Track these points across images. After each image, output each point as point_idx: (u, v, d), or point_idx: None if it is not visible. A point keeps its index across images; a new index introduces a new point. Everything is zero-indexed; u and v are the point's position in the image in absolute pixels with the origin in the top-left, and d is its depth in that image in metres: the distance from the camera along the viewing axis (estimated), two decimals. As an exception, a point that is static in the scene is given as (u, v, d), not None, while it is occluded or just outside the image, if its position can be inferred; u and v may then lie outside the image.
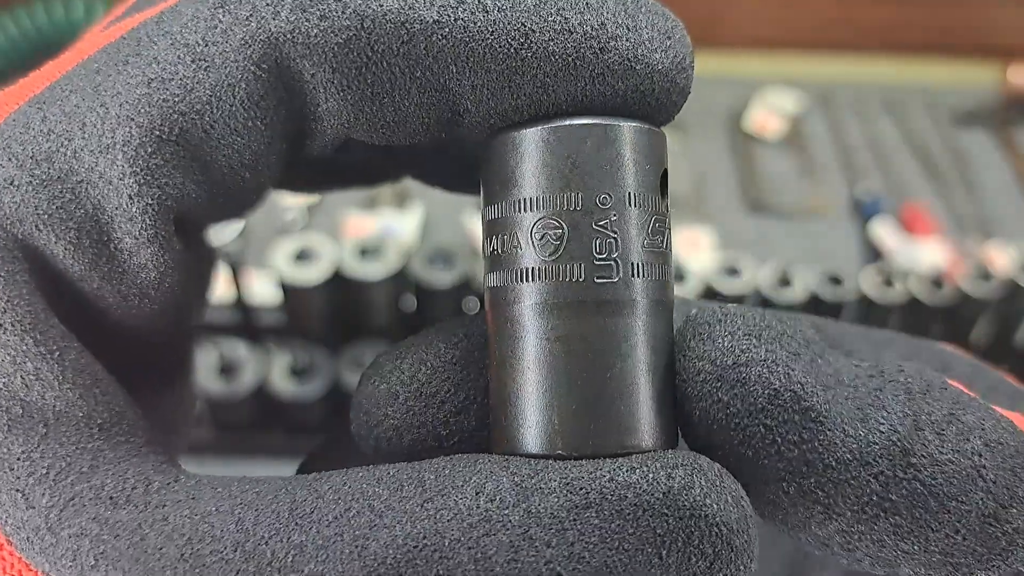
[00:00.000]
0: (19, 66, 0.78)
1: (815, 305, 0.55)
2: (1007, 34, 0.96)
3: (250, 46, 0.16)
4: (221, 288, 0.61)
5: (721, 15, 0.95)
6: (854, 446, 0.15)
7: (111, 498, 0.16)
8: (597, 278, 0.16)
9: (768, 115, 0.88)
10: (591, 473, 0.15)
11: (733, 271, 0.55)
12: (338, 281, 0.50)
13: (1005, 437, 0.16)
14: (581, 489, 0.15)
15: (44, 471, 0.16)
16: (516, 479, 0.15)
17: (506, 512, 0.14)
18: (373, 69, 0.16)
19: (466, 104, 0.16)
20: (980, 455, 0.15)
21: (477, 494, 0.15)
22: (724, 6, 0.95)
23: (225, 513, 0.15)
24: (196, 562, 0.15)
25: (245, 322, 0.55)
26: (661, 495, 0.15)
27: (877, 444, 0.15)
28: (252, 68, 0.16)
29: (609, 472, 0.15)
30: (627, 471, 0.15)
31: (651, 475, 0.15)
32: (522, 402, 0.16)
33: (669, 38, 0.16)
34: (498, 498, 0.14)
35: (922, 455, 0.15)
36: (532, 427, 0.16)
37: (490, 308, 0.17)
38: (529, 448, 0.16)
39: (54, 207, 0.16)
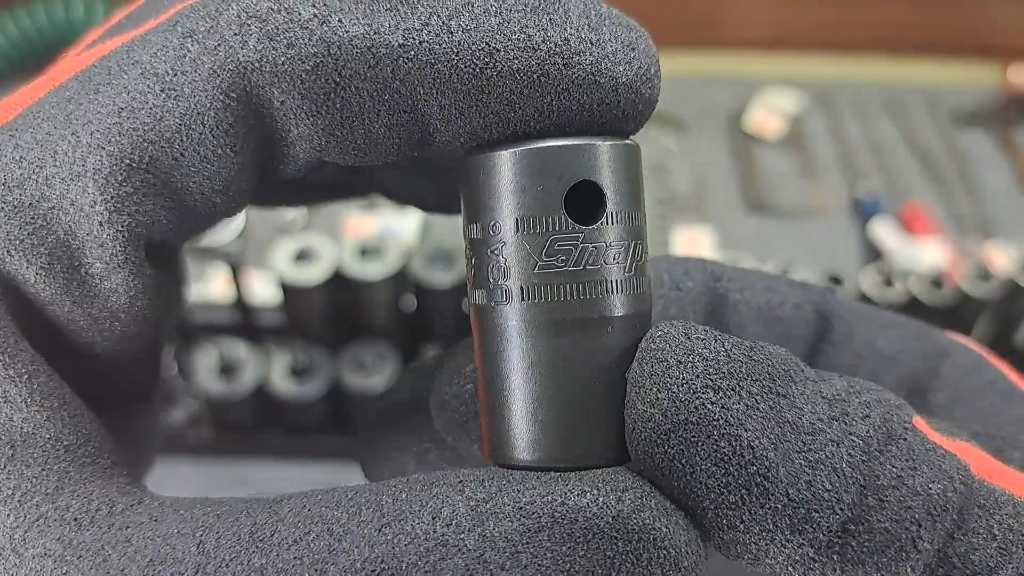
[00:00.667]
0: (19, 66, 0.78)
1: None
2: (1007, 34, 0.96)
3: (219, 75, 0.16)
4: (221, 288, 0.61)
5: (721, 15, 0.95)
6: (794, 511, 0.15)
7: (75, 519, 0.16)
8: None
9: (768, 115, 0.88)
10: (543, 497, 0.15)
11: (733, 271, 0.55)
12: (338, 281, 0.50)
13: (950, 500, 0.15)
14: (534, 513, 0.15)
15: (10, 492, 0.16)
16: (471, 503, 0.15)
17: (462, 536, 0.15)
18: (341, 94, 0.16)
19: (435, 124, 0.16)
20: (919, 525, 0.15)
21: (433, 519, 0.15)
22: (724, 6, 0.95)
23: (187, 535, 0.15)
24: None
25: (245, 322, 0.55)
26: (611, 518, 0.15)
27: (819, 512, 0.15)
28: (221, 97, 0.16)
29: (561, 496, 0.15)
30: (578, 495, 0.15)
31: (601, 499, 0.15)
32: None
33: (633, 50, 0.16)
34: (454, 523, 0.15)
35: (861, 522, 0.15)
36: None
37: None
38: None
39: (25, 233, 0.16)
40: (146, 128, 0.16)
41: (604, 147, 0.17)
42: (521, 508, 0.15)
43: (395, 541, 0.15)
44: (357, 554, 0.15)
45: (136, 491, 0.17)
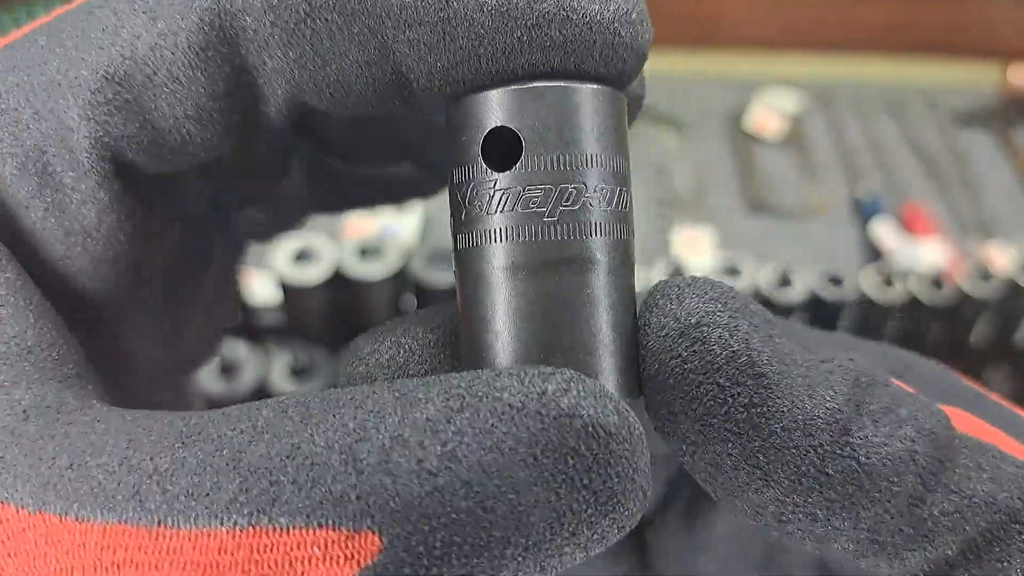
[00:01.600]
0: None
1: (815, 305, 0.55)
2: (1007, 34, 0.96)
3: (195, 1, 0.17)
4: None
5: (720, 15, 0.95)
6: (799, 416, 0.16)
7: (24, 411, 0.17)
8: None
9: (768, 115, 0.88)
10: (470, 381, 0.15)
11: (733, 271, 0.55)
12: (338, 281, 0.51)
13: (937, 427, 0.17)
14: (457, 395, 0.15)
15: None
16: (397, 394, 0.15)
17: (381, 420, 0.15)
18: (311, 25, 0.17)
19: (407, 62, 0.17)
20: (912, 440, 0.16)
21: (356, 408, 0.15)
22: (724, 6, 0.95)
23: (119, 433, 0.16)
24: (81, 472, 0.15)
25: (245, 322, 0.55)
26: (536, 396, 0.15)
27: (821, 418, 0.16)
28: (195, 20, 0.17)
29: (487, 379, 0.15)
30: (505, 377, 0.15)
31: (527, 380, 0.15)
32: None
33: None
34: (376, 410, 0.15)
35: (859, 436, 0.16)
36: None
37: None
38: None
39: (6, 134, 0.18)
40: (124, 45, 0.17)
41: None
42: (446, 391, 0.15)
43: (315, 430, 0.15)
44: (276, 444, 0.15)
45: (92, 400, 0.17)
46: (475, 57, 0.16)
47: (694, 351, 0.16)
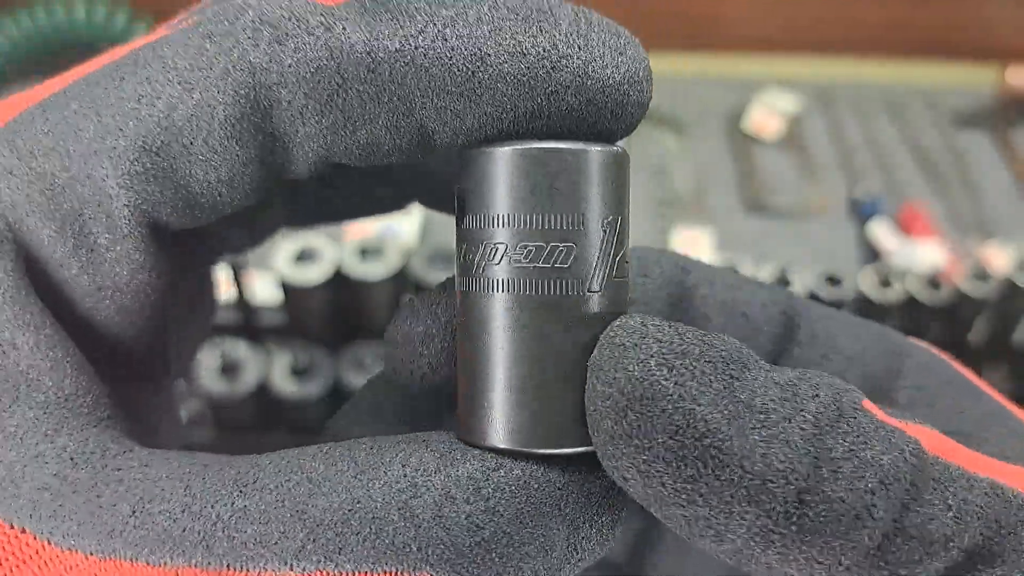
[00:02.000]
0: (21, 68, 0.78)
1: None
2: (1006, 35, 0.96)
3: (231, 74, 0.17)
4: (222, 288, 0.62)
5: (719, 13, 0.96)
6: (751, 482, 0.15)
7: (72, 458, 0.17)
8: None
9: (767, 116, 0.88)
10: None
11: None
12: (338, 281, 0.51)
13: (901, 470, 0.16)
14: (492, 457, 0.17)
15: (12, 429, 0.17)
16: (436, 453, 0.17)
17: (429, 478, 0.17)
18: (343, 95, 0.17)
19: (432, 125, 0.17)
20: (874, 493, 0.16)
21: (403, 466, 0.17)
22: (723, 6, 0.96)
23: (175, 479, 0.17)
24: (146, 519, 0.16)
25: (246, 322, 0.55)
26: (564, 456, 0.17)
27: (773, 482, 0.15)
28: (231, 92, 0.17)
29: None
30: None
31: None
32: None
33: (621, 54, 0.17)
34: (422, 468, 0.17)
35: (816, 492, 0.15)
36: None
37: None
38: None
39: (44, 198, 0.18)
40: (161, 115, 0.18)
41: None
42: (480, 455, 0.17)
43: (370, 485, 0.16)
44: (335, 497, 0.16)
45: (128, 442, 0.18)
46: (497, 121, 0.17)
47: (638, 425, 0.16)
